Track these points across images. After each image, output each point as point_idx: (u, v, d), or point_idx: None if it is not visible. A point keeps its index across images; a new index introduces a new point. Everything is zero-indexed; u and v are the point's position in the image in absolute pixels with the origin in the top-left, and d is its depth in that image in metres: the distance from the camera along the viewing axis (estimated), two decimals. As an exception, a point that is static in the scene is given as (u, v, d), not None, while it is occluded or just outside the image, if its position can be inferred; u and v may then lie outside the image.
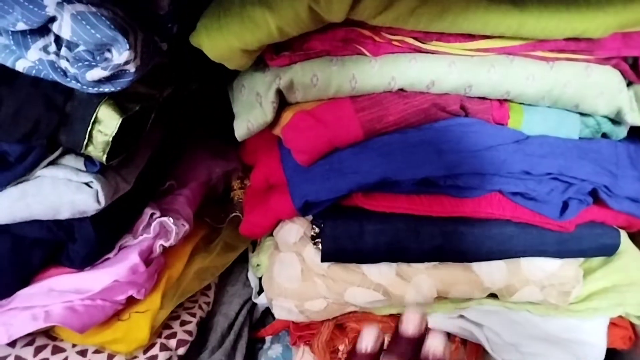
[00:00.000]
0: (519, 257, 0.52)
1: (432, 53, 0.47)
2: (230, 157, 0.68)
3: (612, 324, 0.54)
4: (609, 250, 0.53)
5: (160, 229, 0.53)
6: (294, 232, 0.55)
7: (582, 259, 0.53)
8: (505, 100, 0.49)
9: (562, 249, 0.51)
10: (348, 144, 0.48)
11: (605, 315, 0.52)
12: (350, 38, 0.46)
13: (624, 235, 0.55)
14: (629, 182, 0.49)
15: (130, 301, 0.50)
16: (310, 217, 0.55)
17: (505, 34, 0.44)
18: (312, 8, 0.42)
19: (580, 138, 0.50)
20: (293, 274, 0.53)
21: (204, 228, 0.62)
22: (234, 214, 0.66)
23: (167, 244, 0.53)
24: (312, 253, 0.53)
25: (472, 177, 0.47)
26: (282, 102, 0.50)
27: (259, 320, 0.64)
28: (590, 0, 0.42)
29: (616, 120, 0.50)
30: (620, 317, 0.53)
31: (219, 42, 0.44)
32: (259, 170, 0.57)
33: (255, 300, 0.62)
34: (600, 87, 0.47)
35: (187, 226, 0.56)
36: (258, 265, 0.60)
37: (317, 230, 0.53)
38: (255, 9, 0.43)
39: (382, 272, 0.52)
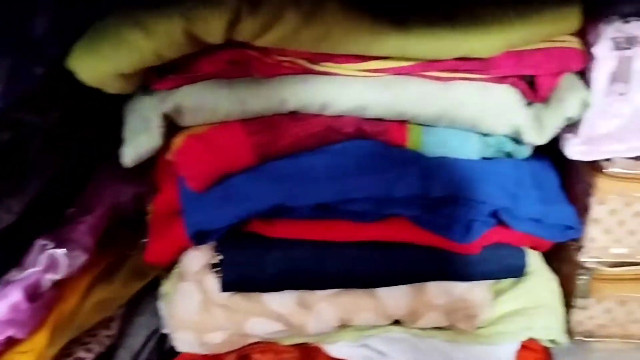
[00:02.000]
0: (425, 281, 0.50)
1: (324, 74, 0.45)
2: (143, 179, 0.65)
3: (524, 347, 0.53)
4: (516, 271, 0.52)
5: (49, 261, 0.50)
6: (197, 260, 0.53)
7: (491, 282, 0.52)
8: (404, 121, 0.48)
9: (467, 272, 0.50)
10: (240, 169, 0.46)
11: (514, 339, 0.51)
12: (239, 59, 0.45)
13: (535, 255, 0.54)
14: (530, 202, 0.48)
15: (12, 341, 0.47)
16: (214, 244, 0.54)
17: (392, 55, 0.43)
18: (188, 30, 0.40)
19: (483, 158, 0.50)
20: (192, 305, 0.51)
21: (110, 255, 0.59)
22: (144, 239, 0.64)
23: (57, 277, 0.50)
24: (213, 282, 0.51)
25: (367, 202, 0.46)
26: (175, 125, 0.48)
27: (171, 352, 0.62)
28: (477, 21, 0.42)
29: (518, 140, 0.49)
30: (532, 339, 0.52)
31: (94, 66, 0.42)
32: (163, 194, 0.55)
33: (164, 331, 0.59)
34: (497, 107, 0.46)
35: (83, 257, 0.53)
36: (167, 293, 0.58)
37: (218, 258, 0.51)
38: (130, 31, 0.41)
39: (283, 301, 0.50)
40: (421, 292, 0.50)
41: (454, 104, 0.46)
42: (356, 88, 0.45)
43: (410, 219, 0.48)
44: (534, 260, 0.53)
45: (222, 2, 0.39)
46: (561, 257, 0.54)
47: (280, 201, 0.46)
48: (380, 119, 0.47)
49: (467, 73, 0.45)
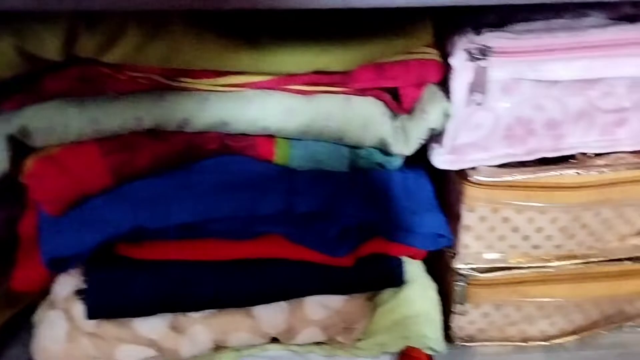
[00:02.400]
0: (301, 297, 0.50)
1: (182, 90, 0.44)
2: (15, 201, 0.62)
3: (407, 355, 0.53)
4: (395, 282, 0.52)
5: None
6: (67, 286, 0.50)
7: (370, 293, 0.52)
8: (271, 135, 0.47)
9: (344, 285, 0.50)
10: (97, 190, 0.44)
11: (392, 349, 0.51)
12: (89, 76, 0.42)
13: (414, 264, 0.54)
14: (402, 213, 0.48)
15: None
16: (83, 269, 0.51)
17: (246, 70, 0.42)
18: (22, 48, 0.38)
19: (355, 169, 0.49)
20: (58, 335, 0.48)
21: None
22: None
23: None
24: (80, 310, 0.48)
25: (232, 221, 0.45)
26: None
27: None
28: (330, 35, 0.41)
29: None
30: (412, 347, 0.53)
31: None
32: (29, 217, 0.52)
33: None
34: (362, 119, 0.46)
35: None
36: (37, 322, 0.55)
37: (83, 284, 0.49)
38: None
39: (154, 326, 0.48)
40: (298, 308, 0.50)
41: (319, 117, 0.45)
42: (216, 104, 0.44)
43: (283, 235, 0.48)
44: (413, 269, 0.53)
45: (57, 19, 0.37)
46: (441, 265, 0.54)
47: (139, 223, 0.44)
48: (245, 134, 0.46)
49: (329, 86, 0.45)
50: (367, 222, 0.47)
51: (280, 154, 0.47)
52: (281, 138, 0.47)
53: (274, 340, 0.50)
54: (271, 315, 0.49)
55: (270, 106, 0.44)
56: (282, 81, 0.44)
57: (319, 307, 0.50)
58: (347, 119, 0.45)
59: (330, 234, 0.47)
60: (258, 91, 0.44)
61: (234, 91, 0.44)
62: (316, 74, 0.43)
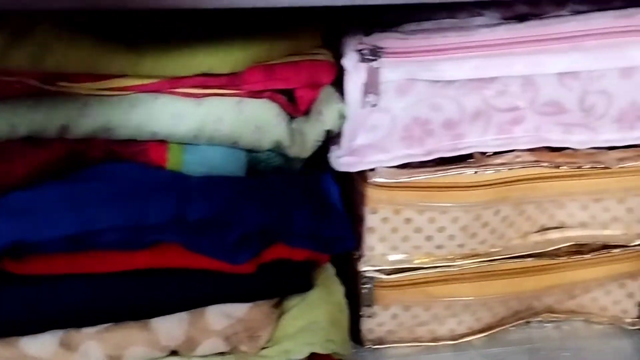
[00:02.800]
0: (201, 306, 0.48)
1: (62, 94, 0.42)
2: None
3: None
4: (300, 287, 0.51)
5: None
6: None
7: (275, 300, 0.51)
8: (163, 140, 0.45)
9: (247, 292, 0.48)
10: (-29, 203, 0.42)
11: (298, 356, 0.50)
12: (-45, 81, 0.40)
13: (323, 268, 0.53)
14: (302, 218, 0.47)
15: None
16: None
17: (128, 73, 0.40)
18: None
19: (253, 173, 0.48)
20: None
21: None
22: None
23: None
24: (-39, 330, 0.45)
25: (119, 231, 0.42)
26: None
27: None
28: (213, 37, 0.40)
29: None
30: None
31: None
32: None
33: None
34: (255, 122, 0.45)
35: None
36: None
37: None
38: None
39: (43, 344, 0.45)
40: (198, 318, 0.48)
41: (210, 121, 0.44)
42: (98, 109, 0.42)
43: (179, 244, 0.46)
44: (320, 273, 0.53)
45: None
46: (348, 268, 0.54)
47: (19, 237, 0.41)
48: (135, 140, 0.45)
49: (219, 89, 0.43)
50: (267, 228, 0.46)
51: (172, 160, 0.45)
52: (174, 143, 0.45)
53: (174, 353, 0.48)
54: (170, 327, 0.47)
55: (156, 110, 0.43)
56: (168, 84, 0.42)
57: (221, 316, 0.48)
58: (239, 122, 0.44)
59: (228, 241, 0.45)
60: (143, 95, 0.43)
61: (117, 95, 0.42)
62: (204, 77, 0.42)
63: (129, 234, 0.43)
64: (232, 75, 0.42)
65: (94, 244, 0.43)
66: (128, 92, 0.42)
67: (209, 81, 0.42)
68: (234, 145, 0.45)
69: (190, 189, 0.44)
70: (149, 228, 0.43)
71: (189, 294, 0.48)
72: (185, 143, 0.45)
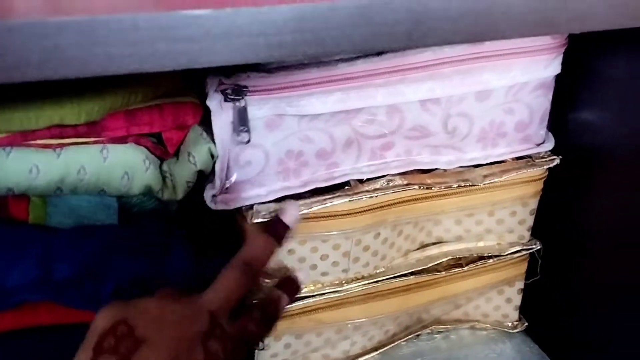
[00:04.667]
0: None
1: None
2: None
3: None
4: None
5: None
6: None
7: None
8: (23, 194, 0.43)
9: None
10: None
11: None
12: None
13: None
14: (178, 261, 0.47)
15: None
16: None
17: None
18: None
19: (127, 220, 0.47)
20: None
21: None
22: None
23: None
24: None
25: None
26: None
27: None
28: (64, 89, 0.38)
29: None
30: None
31: None
32: None
33: None
34: (122, 168, 0.43)
35: None
36: None
37: None
38: None
39: None
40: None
41: (71, 172, 0.42)
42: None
43: (52, 300, 0.44)
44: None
45: None
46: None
47: None
48: (-10, 197, 0.42)
49: (78, 137, 0.42)
50: (141, 276, 0.45)
51: (35, 214, 0.43)
52: (35, 196, 0.43)
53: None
54: (48, 388, 0.45)
55: (12, 165, 0.40)
56: (20, 138, 0.40)
57: None
58: (104, 170, 0.43)
59: (103, 293, 0.44)
60: (-5, 150, 0.41)
61: (-35, 152, 0.40)
62: (59, 127, 0.40)
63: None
64: (90, 124, 0.41)
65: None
66: (-23, 149, 0.40)
67: (66, 132, 0.40)
68: (101, 193, 0.44)
69: (55, 246, 0.42)
70: (11, 289, 0.41)
71: (66, 350, 0.46)
72: (48, 195, 0.43)
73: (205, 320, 0.35)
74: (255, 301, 0.43)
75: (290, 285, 0.43)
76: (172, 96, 0.43)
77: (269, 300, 0.41)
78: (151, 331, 0.33)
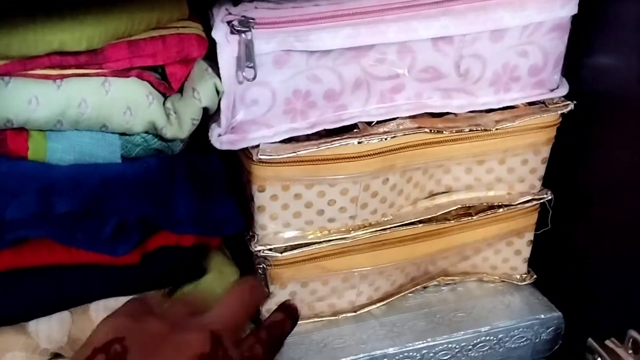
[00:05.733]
0: (84, 303, 0.45)
1: None
2: None
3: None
4: (190, 274, 0.49)
5: None
6: None
7: (168, 289, 0.49)
8: (22, 128, 0.42)
9: (133, 284, 0.46)
10: None
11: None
12: None
13: (215, 252, 0.52)
14: (184, 202, 0.45)
15: None
16: None
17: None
18: None
19: (130, 158, 0.45)
20: None
21: None
22: None
23: None
24: None
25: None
26: None
27: None
28: (64, 11, 0.37)
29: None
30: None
31: None
32: None
33: None
34: (124, 103, 0.42)
35: None
36: None
37: None
38: None
39: None
40: (82, 317, 0.45)
41: (72, 105, 0.40)
42: (-61, 96, 0.38)
43: (49, 239, 0.43)
44: (214, 257, 0.51)
45: None
46: (243, 250, 0.53)
47: None
48: (-12, 129, 0.41)
49: (79, 68, 0.40)
50: (145, 216, 0.44)
51: (35, 149, 0.42)
52: (34, 130, 0.42)
53: (57, 356, 0.45)
54: (49, 329, 0.44)
55: (10, 95, 0.39)
56: (19, 65, 0.38)
57: (106, 312, 0.44)
58: (106, 104, 0.41)
59: (104, 233, 0.43)
60: (-9, 78, 0.39)
61: (-39, 80, 0.38)
62: (59, 55, 0.39)
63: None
64: (91, 52, 0.39)
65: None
66: (-27, 77, 0.38)
67: (66, 60, 0.39)
68: (103, 129, 0.42)
69: (55, 180, 0.41)
70: (9, 224, 0.40)
71: (67, 291, 0.45)
72: (48, 129, 0.42)
73: (206, 342, 0.32)
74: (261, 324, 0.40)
75: (290, 311, 0.39)
76: (175, 27, 0.42)
77: (274, 322, 0.37)
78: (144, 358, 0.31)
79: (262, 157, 0.46)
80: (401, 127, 0.49)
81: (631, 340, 0.48)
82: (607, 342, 0.50)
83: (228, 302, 0.36)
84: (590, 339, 0.51)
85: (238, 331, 0.35)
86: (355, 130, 0.49)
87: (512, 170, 0.54)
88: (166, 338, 0.32)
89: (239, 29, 0.41)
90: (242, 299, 0.36)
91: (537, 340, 0.57)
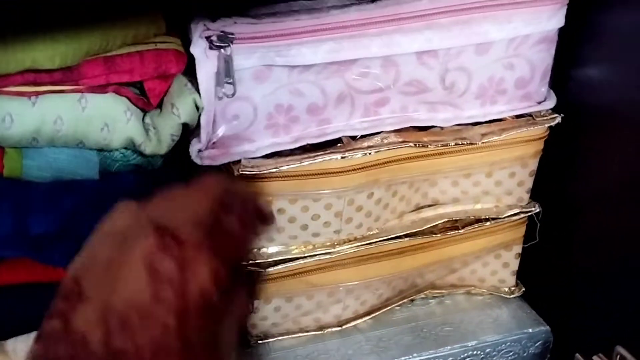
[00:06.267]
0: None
1: None
2: None
3: None
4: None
5: None
6: None
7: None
8: (-2, 146, 0.41)
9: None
10: None
11: None
12: None
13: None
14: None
15: None
16: None
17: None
18: None
19: (109, 175, 0.45)
20: None
21: None
22: None
23: None
24: None
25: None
26: None
27: None
28: (37, 29, 0.36)
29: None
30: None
31: None
32: None
33: None
34: (101, 119, 0.41)
35: None
36: None
37: None
38: None
39: None
40: (60, 335, 0.45)
41: (47, 122, 0.40)
42: None
43: (29, 257, 0.42)
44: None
45: None
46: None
47: None
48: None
49: (54, 85, 0.40)
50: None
51: (10, 166, 0.41)
52: (10, 147, 0.41)
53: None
54: (28, 347, 0.44)
55: (-19, 113, 0.39)
56: (-9, 84, 0.38)
57: None
58: (82, 120, 0.41)
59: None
60: (-36, 97, 0.38)
61: None
62: (32, 72, 0.38)
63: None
64: (66, 70, 0.38)
65: None
66: (-54, 95, 0.38)
67: (40, 77, 0.38)
68: (80, 145, 0.42)
69: (31, 199, 0.40)
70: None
71: (46, 309, 0.45)
72: (24, 147, 0.41)
73: (148, 236, 0.27)
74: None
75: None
76: (153, 42, 0.41)
77: (244, 199, 0.31)
78: (95, 287, 0.27)
79: (243, 172, 0.46)
80: (385, 141, 0.48)
81: (618, 356, 0.48)
82: (595, 358, 0.49)
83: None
84: (577, 355, 0.51)
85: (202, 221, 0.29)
86: (339, 144, 0.48)
87: (499, 183, 0.54)
88: (115, 256, 0.28)
89: (217, 44, 0.41)
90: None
91: (525, 354, 0.57)
